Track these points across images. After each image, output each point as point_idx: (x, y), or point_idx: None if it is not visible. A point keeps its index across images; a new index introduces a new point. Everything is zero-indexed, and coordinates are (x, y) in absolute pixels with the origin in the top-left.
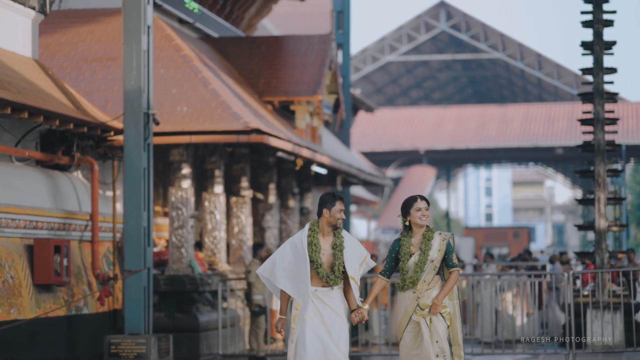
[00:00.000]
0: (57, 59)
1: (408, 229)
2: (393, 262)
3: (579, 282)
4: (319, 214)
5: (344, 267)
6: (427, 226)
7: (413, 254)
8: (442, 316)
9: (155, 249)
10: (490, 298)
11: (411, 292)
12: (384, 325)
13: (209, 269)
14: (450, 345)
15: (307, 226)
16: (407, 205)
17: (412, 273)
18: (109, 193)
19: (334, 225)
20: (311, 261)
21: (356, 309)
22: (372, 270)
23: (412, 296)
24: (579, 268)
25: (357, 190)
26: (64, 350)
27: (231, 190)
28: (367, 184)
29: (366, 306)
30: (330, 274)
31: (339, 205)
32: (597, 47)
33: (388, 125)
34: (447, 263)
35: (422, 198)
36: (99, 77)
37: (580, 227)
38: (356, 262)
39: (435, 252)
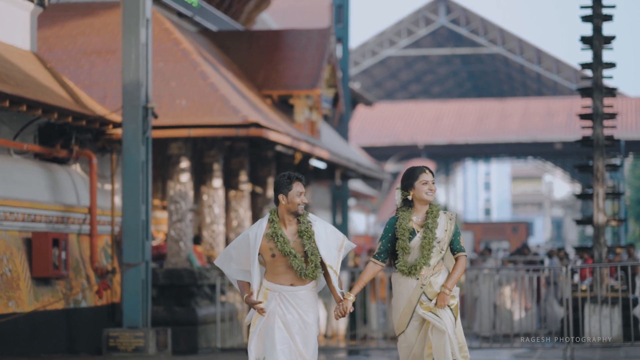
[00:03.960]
0: (56, 52)
1: (408, 204)
2: (389, 243)
3: (577, 277)
4: (276, 201)
5: (320, 257)
6: (431, 203)
7: (417, 231)
8: (450, 309)
9: (154, 243)
10: (488, 292)
11: (414, 278)
12: (382, 319)
13: (208, 262)
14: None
15: (265, 217)
16: (411, 177)
17: (418, 254)
18: (108, 186)
19: (295, 212)
20: (285, 254)
21: (340, 301)
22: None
23: (416, 284)
24: (578, 262)
25: (355, 185)
26: (62, 344)
27: (230, 184)
28: (365, 178)
29: (351, 296)
30: (307, 270)
31: (297, 188)
32: (597, 41)
33: (387, 120)
34: (453, 246)
35: (430, 170)
36: (97, 70)
37: (578, 222)
38: (333, 249)
39: (442, 232)
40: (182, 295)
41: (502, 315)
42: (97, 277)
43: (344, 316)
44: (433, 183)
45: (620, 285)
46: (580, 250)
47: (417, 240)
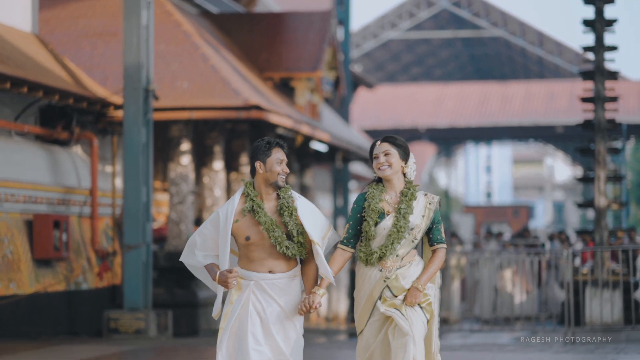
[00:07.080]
0: (57, 34)
1: (378, 180)
2: (358, 225)
3: (578, 260)
4: (252, 171)
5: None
6: (411, 181)
7: (387, 213)
8: (421, 307)
9: (155, 225)
10: (489, 275)
11: (377, 269)
12: None
13: None
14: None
15: (238, 191)
16: (370, 151)
17: (383, 241)
18: (109, 168)
19: (274, 183)
20: (265, 230)
21: (310, 294)
22: None
23: (379, 275)
24: (579, 246)
25: (356, 167)
26: (63, 325)
27: (231, 166)
28: (366, 161)
29: (321, 290)
30: (289, 243)
31: (277, 154)
32: (599, 24)
33: (388, 102)
34: (431, 236)
35: (386, 140)
36: (98, 52)
37: (580, 205)
38: (318, 230)
39: (418, 218)
40: (183, 277)
41: (502, 299)
42: (98, 259)
43: (308, 312)
44: (385, 155)
45: (621, 268)
46: (581, 233)
47: (385, 224)
